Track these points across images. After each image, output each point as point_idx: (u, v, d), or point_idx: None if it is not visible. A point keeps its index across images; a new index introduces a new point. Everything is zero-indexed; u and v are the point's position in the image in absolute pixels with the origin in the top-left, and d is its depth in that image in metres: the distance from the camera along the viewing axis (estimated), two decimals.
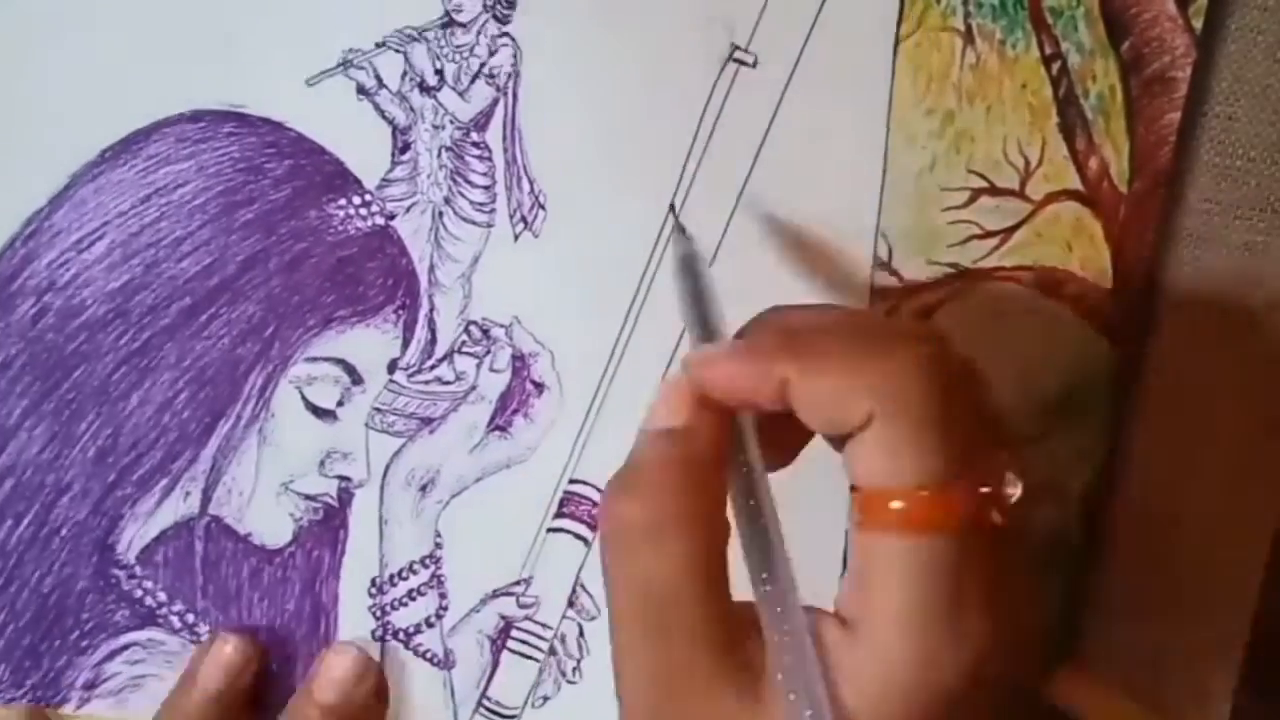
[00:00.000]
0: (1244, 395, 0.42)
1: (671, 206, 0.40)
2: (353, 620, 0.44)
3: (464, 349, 0.42)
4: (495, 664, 0.44)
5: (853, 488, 0.30)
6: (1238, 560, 0.44)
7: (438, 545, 0.43)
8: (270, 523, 0.43)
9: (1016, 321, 0.41)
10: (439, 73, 0.40)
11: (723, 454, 0.32)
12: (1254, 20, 0.39)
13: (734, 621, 0.31)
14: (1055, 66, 0.39)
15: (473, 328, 0.42)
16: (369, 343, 0.42)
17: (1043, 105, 0.40)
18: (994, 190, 0.40)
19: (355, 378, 0.42)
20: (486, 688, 0.44)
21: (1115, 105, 0.39)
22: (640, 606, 0.30)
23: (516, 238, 0.41)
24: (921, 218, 0.41)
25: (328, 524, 0.43)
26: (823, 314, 0.34)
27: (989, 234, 0.41)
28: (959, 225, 0.41)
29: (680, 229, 0.38)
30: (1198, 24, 0.39)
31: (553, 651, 0.44)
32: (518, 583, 0.43)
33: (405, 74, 0.40)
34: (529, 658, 0.44)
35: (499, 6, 0.40)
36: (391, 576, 0.43)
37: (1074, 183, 0.40)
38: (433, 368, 0.42)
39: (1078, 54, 0.39)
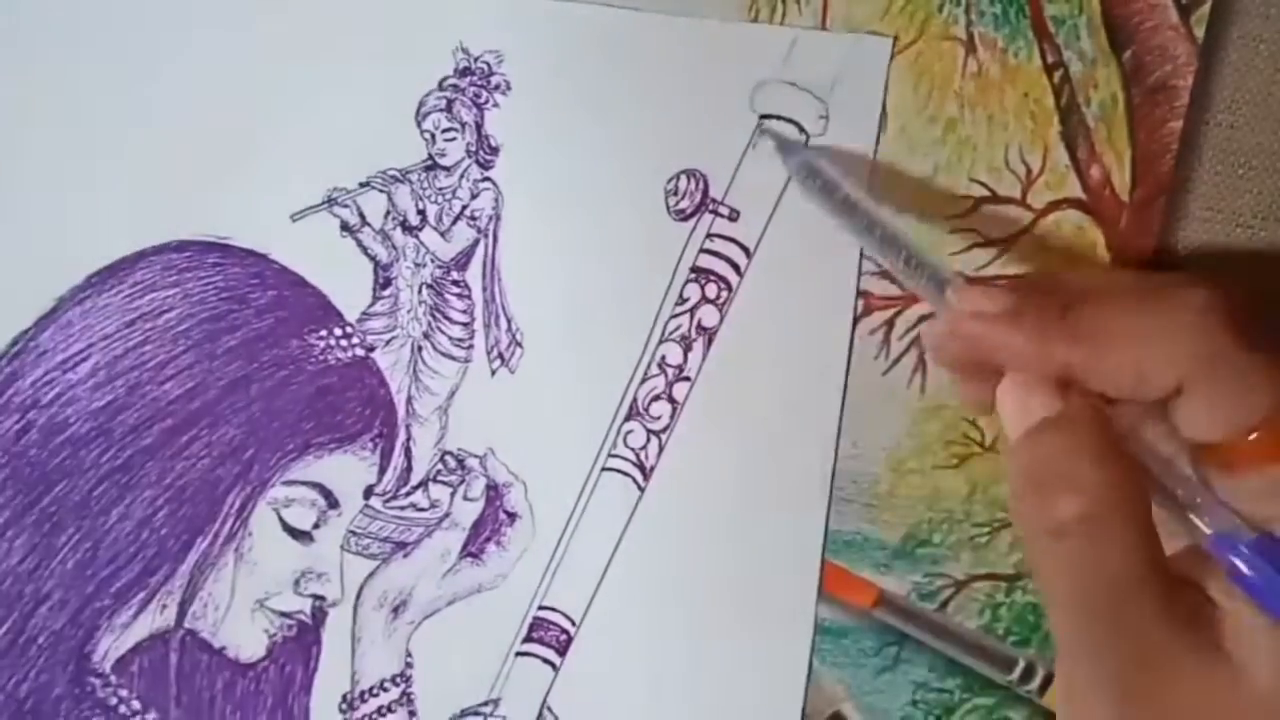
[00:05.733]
0: None
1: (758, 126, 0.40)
2: None
3: (439, 478, 0.43)
4: None
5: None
6: None
7: (408, 664, 0.44)
8: (245, 637, 0.44)
9: None
10: (421, 213, 0.41)
11: (1108, 427, 0.31)
12: (1256, 29, 0.38)
13: (1186, 595, 0.31)
14: (1057, 75, 0.39)
15: (448, 458, 0.43)
16: (346, 469, 0.43)
17: (1044, 113, 0.39)
18: (995, 198, 0.40)
19: (331, 502, 0.43)
20: None
21: (1117, 114, 0.39)
22: (1094, 601, 0.30)
23: (494, 373, 0.42)
24: (923, 226, 0.40)
25: (301, 640, 0.44)
26: (1099, 284, 0.34)
27: (990, 242, 0.40)
28: (960, 233, 0.41)
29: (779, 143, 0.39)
30: (1199, 32, 0.38)
31: None
32: (486, 703, 0.44)
33: (388, 213, 0.41)
34: None
35: (481, 153, 0.41)
36: (362, 693, 0.44)
37: (1075, 191, 0.40)
38: (408, 494, 0.43)
39: (1080, 62, 0.39)
